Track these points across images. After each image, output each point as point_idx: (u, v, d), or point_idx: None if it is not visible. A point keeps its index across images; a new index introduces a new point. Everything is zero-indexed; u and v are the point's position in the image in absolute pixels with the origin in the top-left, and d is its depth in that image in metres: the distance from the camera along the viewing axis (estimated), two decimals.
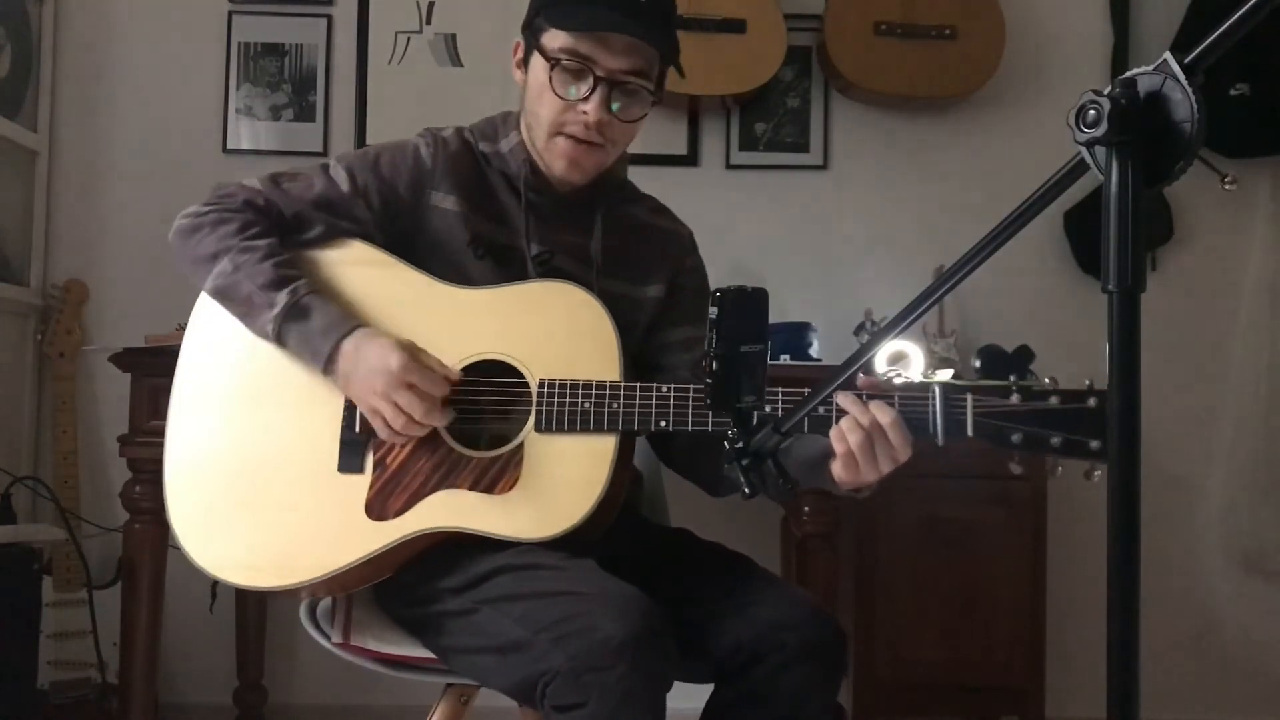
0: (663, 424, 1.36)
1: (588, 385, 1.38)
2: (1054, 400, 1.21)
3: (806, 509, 2.14)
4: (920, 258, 2.75)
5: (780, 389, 1.31)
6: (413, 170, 1.50)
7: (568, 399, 1.37)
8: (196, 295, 1.49)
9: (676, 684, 1.26)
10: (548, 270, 1.51)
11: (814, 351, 2.58)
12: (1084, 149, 0.77)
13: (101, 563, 2.54)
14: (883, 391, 1.26)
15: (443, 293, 1.45)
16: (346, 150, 1.48)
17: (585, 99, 1.42)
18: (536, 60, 1.45)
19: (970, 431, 1.23)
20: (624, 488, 1.42)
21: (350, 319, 1.39)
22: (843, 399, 1.25)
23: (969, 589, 2.44)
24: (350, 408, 1.41)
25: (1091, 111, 0.74)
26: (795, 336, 2.57)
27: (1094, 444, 1.19)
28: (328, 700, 2.75)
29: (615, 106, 1.43)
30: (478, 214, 1.50)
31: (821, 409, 1.27)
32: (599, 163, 1.49)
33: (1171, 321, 2.83)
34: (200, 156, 2.82)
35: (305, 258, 1.46)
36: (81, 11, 2.85)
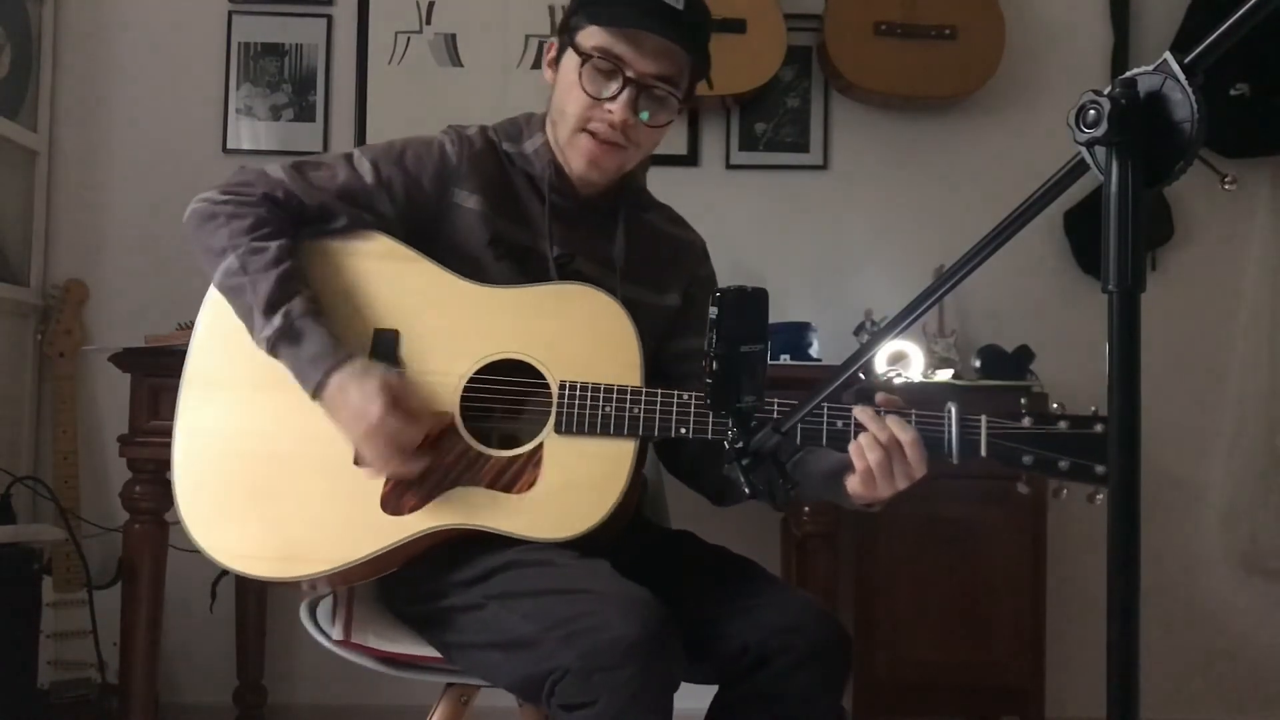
0: (683, 431, 1.36)
1: (609, 389, 1.38)
2: (1063, 425, 1.25)
3: (806, 509, 2.15)
4: (920, 258, 2.75)
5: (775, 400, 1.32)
6: (438, 166, 1.50)
7: (589, 402, 1.38)
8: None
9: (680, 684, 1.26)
10: (568, 273, 1.51)
11: (814, 351, 2.58)
12: (1084, 149, 0.77)
13: (101, 563, 2.54)
14: (899, 410, 1.28)
15: (466, 290, 1.45)
16: (366, 144, 1.48)
17: (613, 98, 1.42)
18: (569, 57, 1.46)
19: (984, 452, 1.26)
20: (638, 492, 1.42)
21: (339, 350, 1.36)
22: (861, 415, 1.26)
23: (969, 589, 2.44)
24: None
25: (1091, 111, 0.74)
26: (795, 336, 2.57)
27: (1099, 469, 1.22)
28: (328, 700, 2.75)
29: (643, 113, 1.43)
30: (499, 214, 1.50)
31: (840, 423, 1.28)
32: (620, 164, 1.49)
33: (1171, 321, 2.83)
34: (200, 156, 2.82)
35: (327, 249, 1.46)
36: (81, 12, 2.85)
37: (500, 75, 2.85)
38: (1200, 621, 2.83)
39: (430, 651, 1.42)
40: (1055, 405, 1.26)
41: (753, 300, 1.11)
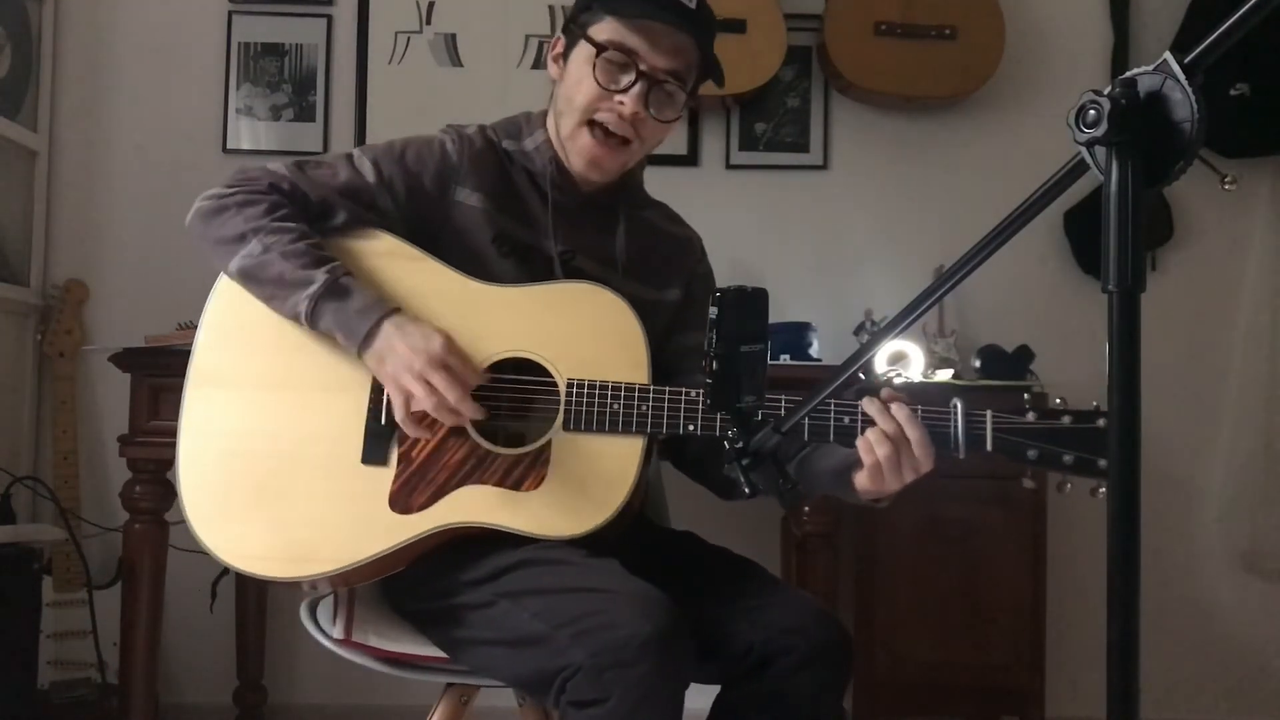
0: (690, 428, 1.37)
1: (617, 386, 1.38)
2: (1066, 419, 1.26)
3: (806, 509, 2.14)
4: (920, 258, 2.75)
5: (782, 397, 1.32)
6: (439, 164, 1.50)
7: (596, 399, 1.38)
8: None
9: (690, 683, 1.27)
10: (571, 270, 1.51)
11: (814, 351, 2.58)
12: (1084, 149, 0.77)
13: (101, 563, 2.54)
14: (905, 405, 1.28)
15: (471, 289, 1.45)
16: (366, 144, 1.49)
17: (625, 90, 1.43)
18: (581, 50, 1.47)
19: (990, 446, 1.27)
20: (644, 490, 1.42)
21: (390, 301, 1.38)
22: (869, 408, 1.27)
23: (969, 589, 2.44)
24: (377, 399, 1.40)
25: (1091, 111, 0.74)
26: (795, 336, 2.57)
27: (1102, 463, 1.24)
28: (328, 700, 2.75)
29: (652, 107, 1.45)
30: (502, 212, 1.50)
31: (847, 419, 1.29)
32: (622, 164, 1.50)
33: (1171, 321, 2.83)
34: (200, 156, 2.82)
35: (331, 246, 1.45)
36: (81, 11, 2.85)
37: (500, 75, 2.85)
38: (1200, 622, 2.83)
39: (431, 651, 1.42)
40: (1058, 400, 1.27)
41: (753, 300, 1.11)
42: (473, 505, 1.37)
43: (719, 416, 1.36)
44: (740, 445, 1.12)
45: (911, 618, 2.44)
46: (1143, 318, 0.75)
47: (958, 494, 2.43)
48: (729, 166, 2.88)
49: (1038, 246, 2.84)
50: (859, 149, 2.89)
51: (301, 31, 2.86)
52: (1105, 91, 0.74)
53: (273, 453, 1.40)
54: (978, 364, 2.59)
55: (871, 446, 1.26)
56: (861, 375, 1.26)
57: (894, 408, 1.27)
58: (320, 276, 1.35)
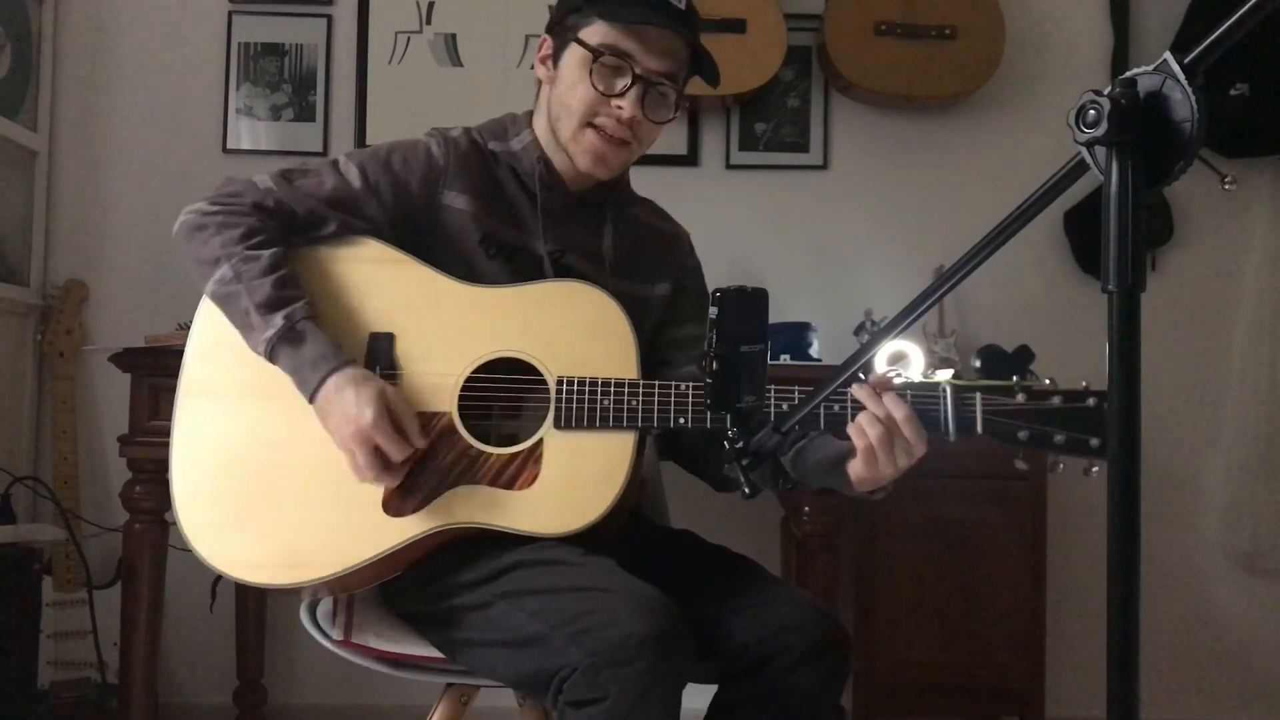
0: (681, 421, 1.37)
1: (607, 383, 1.38)
2: (1056, 400, 1.26)
3: (806, 509, 2.14)
4: (920, 258, 2.75)
5: (795, 387, 1.33)
6: (425, 168, 1.50)
7: (587, 396, 1.38)
8: (197, 295, 1.47)
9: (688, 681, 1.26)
10: (560, 269, 1.52)
11: (814, 351, 2.58)
12: (1084, 149, 0.77)
13: (101, 563, 2.54)
14: (895, 388, 1.28)
15: (459, 291, 1.45)
16: (353, 149, 1.49)
17: (621, 95, 1.44)
18: (573, 53, 1.47)
19: (980, 429, 1.27)
20: (638, 486, 1.42)
21: (340, 354, 1.37)
22: (859, 392, 1.27)
23: (969, 589, 2.44)
24: None
25: (1091, 111, 0.74)
26: (795, 336, 2.57)
27: (1094, 441, 1.24)
28: (328, 700, 2.75)
29: (647, 109, 1.45)
30: (489, 213, 1.51)
31: (836, 406, 1.29)
32: (625, 161, 1.51)
33: (1171, 321, 2.83)
34: (200, 156, 2.82)
35: (318, 255, 1.46)
36: (81, 11, 2.85)
37: (500, 75, 2.85)
38: (1200, 621, 2.83)
39: (431, 651, 1.42)
40: (1048, 381, 1.27)
41: (753, 300, 1.11)
42: (466, 506, 1.37)
43: (709, 407, 1.36)
44: (740, 445, 1.12)
45: (911, 618, 2.44)
46: (1143, 318, 0.75)
47: (958, 494, 2.44)
48: (729, 166, 2.88)
49: (1038, 246, 2.84)
50: (859, 149, 2.89)
51: (301, 31, 2.86)
52: (1105, 91, 0.74)
53: (265, 461, 1.40)
54: (978, 364, 2.58)
55: (863, 429, 1.25)
56: (861, 375, 1.26)
57: (883, 392, 1.27)
58: (278, 321, 1.36)
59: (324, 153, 2.80)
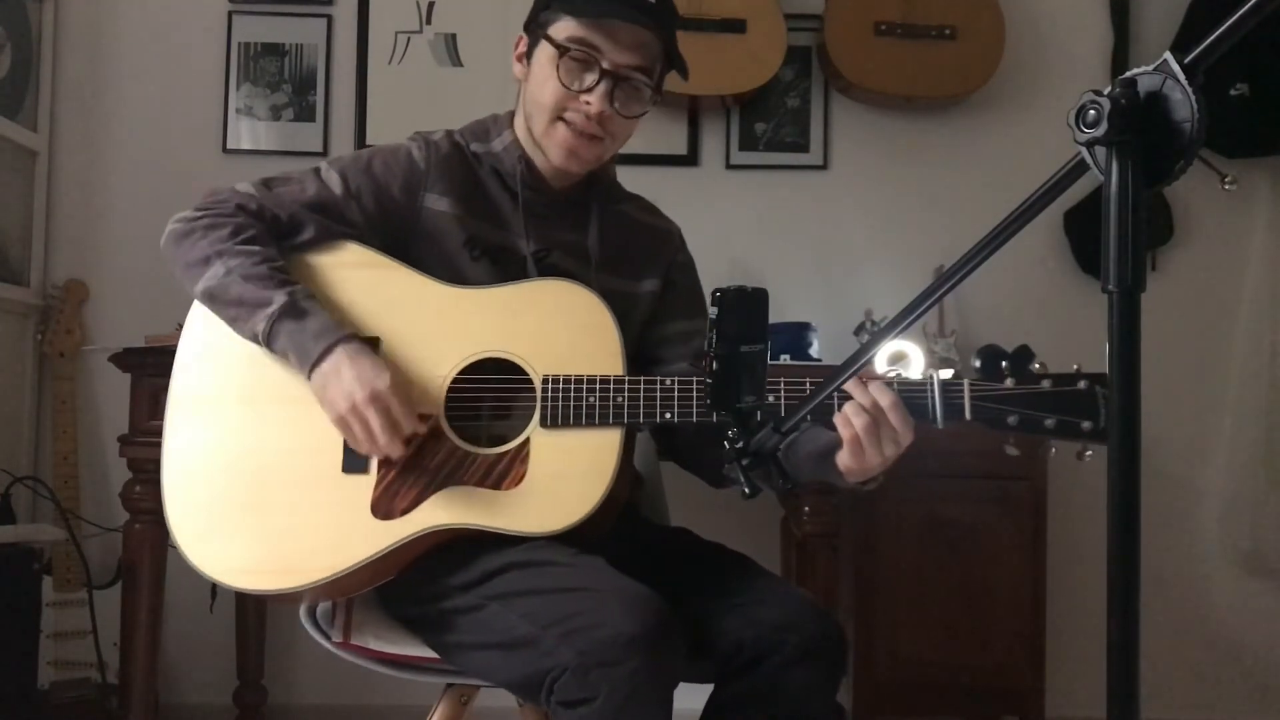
0: (667, 416, 1.37)
1: (591, 380, 1.38)
2: (1046, 384, 1.25)
3: (806, 509, 2.14)
4: (920, 258, 2.75)
5: (783, 379, 1.33)
6: (406, 172, 1.50)
7: (572, 394, 1.38)
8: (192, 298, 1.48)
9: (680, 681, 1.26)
10: (545, 268, 1.51)
11: (814, 351, 2.58)
12: (1084, 149, 0.77)
13: (101, 563, 2.54)
14: (881, 378, 1.28)
15: (441, 293, 1.45)
16: (340, 153, 1.48)
17: (589, 90, 1.43)
18: (542, 49, 1.47)
19: (968, 415, 1.26)
20: (628, 483, 1.42)
21: (348, 326, 1.38)
22: (845, 383, 1.26)
23: (969, 589, 2.44)
24: None
25: (1091, 111, 0.74)
26: (795, 336, 2.57)
27: (1085, 424, 1.23)
28: (328, 700, 2.75)
29: (617, 103, 1.45)
30: (472, 215, 1.51)
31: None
32: (598, 155, 1.50)
33: (1171, 321, 2.83)
34: (200, 156, 2.82)
35: (301, 261, 1.46)
36: (81, 11, 2.85)
37: (500, 75, 2.85)
38: (1200, 621, 2.83)
39: (430, 652, 1.42)
40: (1037, 365, 1.26)
41: (753, 300, 1.11)
42: (455, 507, 1.37)
43: (695, 403, 1.36)
44: (740, 445, 1.11)
45: (911, 618, 2.44)
46: (1143, 318, 0.75)
47: (958, 494, 2.44)
48: (729, 166, 2.88)
49: (1038, 246, 2.84)
50: (859, 149, 2.89)
51: (301, 31, 2.86)
52: (1105, 91, 0.74)
53: (254, 467, 1.41)
54: (978, 364, 2.58)
55: (849, 419, 1.25)
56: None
57: (869, 381, 1.26)
58: (279, 297, 1.35)
59: (324, 153, 2.80)
